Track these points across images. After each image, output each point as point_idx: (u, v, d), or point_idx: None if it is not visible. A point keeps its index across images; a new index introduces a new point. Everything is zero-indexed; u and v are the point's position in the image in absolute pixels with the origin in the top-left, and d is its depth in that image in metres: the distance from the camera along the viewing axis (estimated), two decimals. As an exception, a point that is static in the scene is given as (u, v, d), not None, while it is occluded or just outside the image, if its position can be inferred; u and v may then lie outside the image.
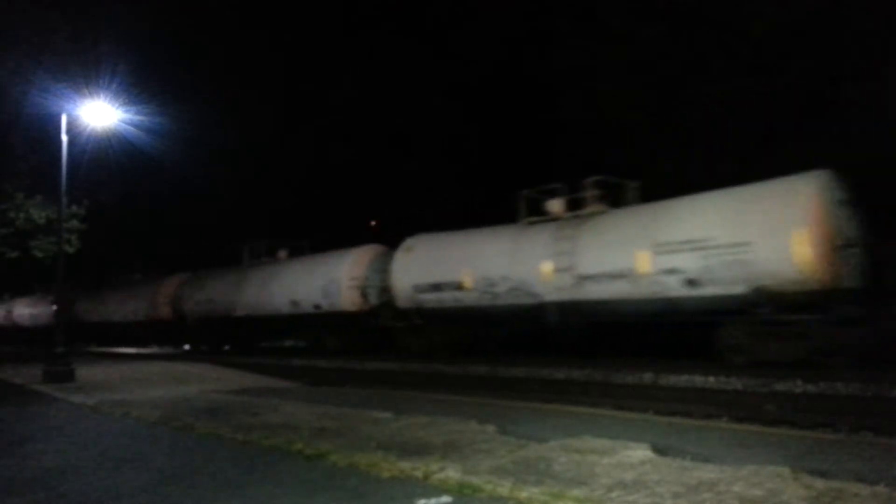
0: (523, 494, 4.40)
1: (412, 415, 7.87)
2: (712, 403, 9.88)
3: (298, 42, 58.88)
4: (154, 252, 40.66)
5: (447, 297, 17.68)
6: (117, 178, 21.91)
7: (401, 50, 52.00)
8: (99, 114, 15.15)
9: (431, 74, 48.01)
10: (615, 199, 15.90)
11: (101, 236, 26.67)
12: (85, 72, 16.31)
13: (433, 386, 13.10)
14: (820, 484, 4.36)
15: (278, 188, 47.83)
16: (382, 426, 7.27)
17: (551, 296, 15.28)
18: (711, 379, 11.39)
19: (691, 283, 12.85)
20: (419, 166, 40.61)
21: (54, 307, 19.53)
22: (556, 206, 16.52)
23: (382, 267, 20.36)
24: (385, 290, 19.98)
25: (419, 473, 5.05)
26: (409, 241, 19.66)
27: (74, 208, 18.47)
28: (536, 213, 16.89)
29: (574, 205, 16.26)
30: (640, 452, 5.44)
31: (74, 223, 18.62)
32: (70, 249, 18.18)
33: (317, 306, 21.51)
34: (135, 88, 17.11)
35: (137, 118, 16.24)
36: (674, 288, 13.13)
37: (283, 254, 25.61)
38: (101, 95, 15.07)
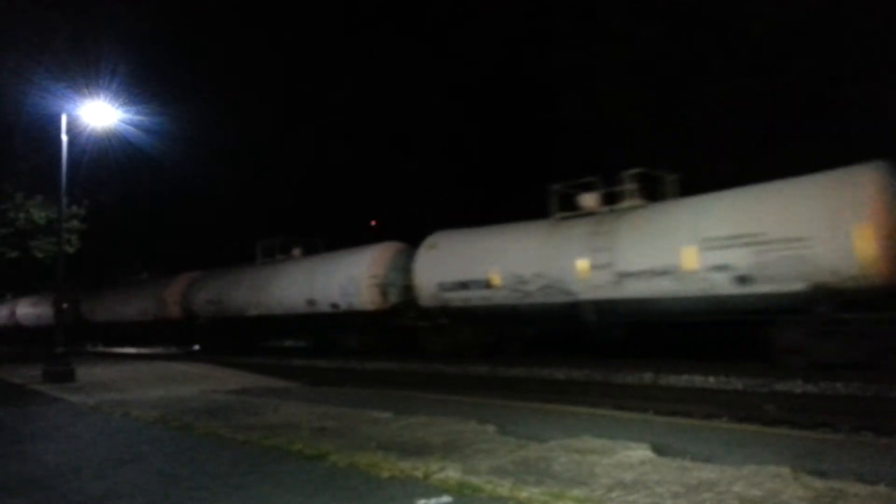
0: (523, 494, 4.40)
1: (412, 415, 7.86)
2: (712, 403, 9.86)
3: (298, 42, 58.96)
4: (154, 252, 40.70)
5: (474, 296, 17.09)
6: (117, 178, 21.94)
7: (401, 50, 52.07)
8: (99, 114, 15.15)
9: (431, 74, 48.08)
10: (652, 192, 15.30)
11: (101, 236, 26.66)
12: (85, 72, 16.34)
13: (433, 386, 13.09)
14: (820, 484, 4.35)
15: (278, 188, 47.89)
16: (382, 426, 7.26)
17: (587, 294, 14.67)
18: (711, 379, 11.40)
19: (742, 280, 12.24)
20: (419, 166, 40.65)
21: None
22: (589, 200, 15.87)
23: (403, 265, 19.82)
24: (406, 288, 19.43)
25: (419, 473, 5.05)
26: (432, 238, 19.05)
27: (74, 208, 18.49)
28: (568, 208, 16.30)
29: (609, 199, 15.59)
30: (640, 452, 5.44)
31: (74, 223, 18.64)
32: (70, 249, 18.19)
33: (334, 305, 20.93)
34: (135, 88, 17.14)
35: (137, 118, 16.25)
36: (722, 285, 12.53)
37: (297, 252, 24.96)
38: (101, 95, 15.08)
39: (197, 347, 28.35)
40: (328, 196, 44.04)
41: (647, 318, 14.26)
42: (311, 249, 24.58)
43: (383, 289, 19.98)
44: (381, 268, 20.18)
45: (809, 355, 11.56)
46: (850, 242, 11.19)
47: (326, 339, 22.90)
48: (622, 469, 4.97)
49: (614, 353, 15.07)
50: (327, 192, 45.00)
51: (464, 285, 17.30)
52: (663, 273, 13.32)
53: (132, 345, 32.93)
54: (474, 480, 4.77)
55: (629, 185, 15.29)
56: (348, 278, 20.49)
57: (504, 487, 4.56)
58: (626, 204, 15.21)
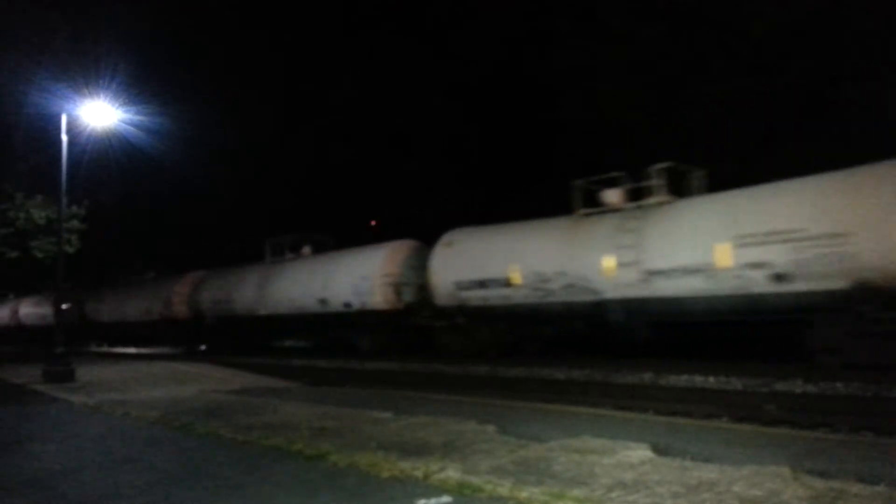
0: (523, 494, 4.40)
1: (412, 415, 7.86)
2: (712, 403, 9.86)
3: (298, 42, 59.04)
4: (154, 252, 40.72)
5: (493, 295, 16.69)
6: (117, 178, 21.94)
7: (401, 50, 52.16)
8: (99, 114, 15.16)
9: (431, 74, 48.16)
10: (678, 188, 14.88)
11: (101, 236, 26.67)
12: (85, 72, 16.34)
13: (433, 386, 13.09)
14: (820, 484, 4.35)
15: (278, 188, 47.94)
16: (382, 426, 7.26)
17: (613, 293, 14.30)
18: (711, 379, 11.40)
19: (779, 277, 11.84)
20: (419, 166, 40.71)
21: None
22: (613, 196, 15.41)
23: (418, 263, 19.43)
24: (421, 287, 19.07)
25: (419, 473, 5.05)
26: (448, 236, 18.61)
27: (74, 208, 18.49)
28: (590, 204, 15.87)
29: (634, 195, 15.16)
30: (640, 452, 5.44)
31: (74, 223, 18.64)
32: (70, 249, 18.19)
33: (347, 305, 20.52)
34: (135, 88, 17.13)
35: (137, 118, 16.25)
36: (758, 283, 12.11)
37: (307, 250, 24.55)
38: (101, 95, 15.09)
39: (204, 347, 27.91)
40: (328, 196, 44.12)
41: (677, 318, 13.86)
42: (321, 248, 24.14)
43: (397, 288, 19.62)
44: (396, 266, 19.82)
45: (848, 355, 11.17)
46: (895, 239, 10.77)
47: (338, 338, 22.54)
48: (622, 469, 4.97)
49: (639, 354, 14.71)
50: (327, 192, 45.10)
51: (482, 284, 16.92)
52: (695, 271, 12.95)
53: (137, 345, 32.62)
54: (474, 480, 4.77)
55: (656, 181, 14.79)
56: (361, 277, 20.10)
57: (504, 487, 4.56)
58: (653, 199, 14.74)
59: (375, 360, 18.09)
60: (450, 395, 10.51)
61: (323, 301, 21.35)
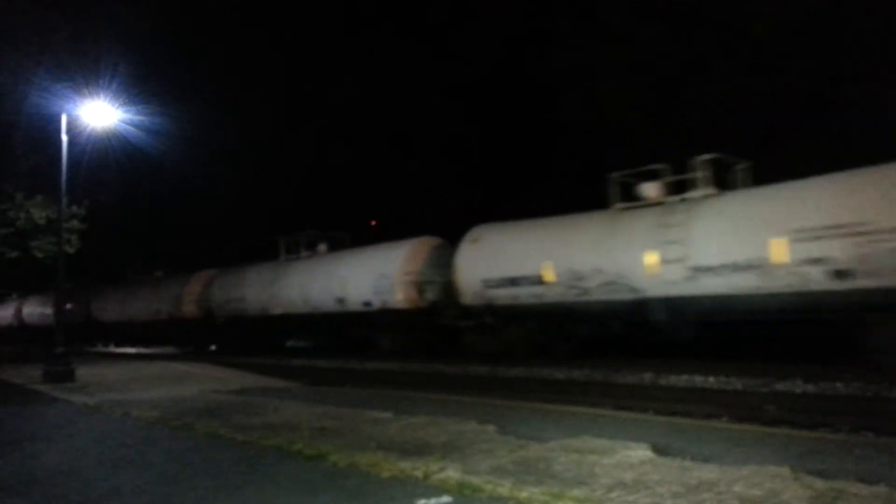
0: (523, 494, 4.40)
1: (412, 415, 7.86)
2: (712, 403, 9.86)
3: (298, 42, 59.07)
4: (154, 252, 40.70)
5: (524, 293, 15.88)
6: (117, 178, 21.90)
7: (401, 50, 52.20)
8: (99, 114, 15.16)
9: (431, 74, 48.21)
10: (721, 180, 14.22)
11: (101, 236, 26.63)
12: (85, 72, 16.31)
13: (433, 386, 13.09)
14: (820, 484, 4.36)
15: (278, 188, 47.96)
16: (382, 426, 7.26)
17: (656, 290, 13.57)
18: (711, 379, 11.40)
19: (840, 274, 11.16)
20: (419, 166, 40.73)
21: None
22: (652, 189, 14.69)
23: (441, 260, 18.76)
24: (445, 285, 18.32)
25: (419, 473, 5.05)
26: (474, 232, 17.82)
27: (74, 208, 18.47)
28: (627, 198, 15.16)
29: (675, 188, 14.47)
30: (640, 452, 5.44)
31: (74, 223, 18.61)
32: (70, 249, 18.17)
33: (367, 304, 19.85)
34: (135, 88, 17.12)
35: (137, 118, 16.25)
36: (817, 280, 11.41)
37: (322, 247, 23.87)
38: (101, 95, 15.09)
39: (214, 348, 27.26)
40: (328, 196, 44.13)
41: (725, 317, 13.17)
42: (338, 245, 23.65)
43: (420, 286, 18.99)
44: (417, 264, 19.18)
45: None
46: None
47: (356, 338, 22.00)
48: (622, 469, 4.97)
49: (682, 355, 14.20)
50: (327, 192, 45.10)
51: (513, 282, 16.12)
52: (747, 267, 12.24)
53: (144, 345, 32.15)
54: (474, 480, 4.77)
55: (701, 173, 14.08)
56: (381, 275, 19.46)
57: (504, 487, 4.57)
58: (699, 192, 14.02)
59: (375, 361, 18.07)
60: (450, 395, 10.51)
61: (341, 300, 20.73)
